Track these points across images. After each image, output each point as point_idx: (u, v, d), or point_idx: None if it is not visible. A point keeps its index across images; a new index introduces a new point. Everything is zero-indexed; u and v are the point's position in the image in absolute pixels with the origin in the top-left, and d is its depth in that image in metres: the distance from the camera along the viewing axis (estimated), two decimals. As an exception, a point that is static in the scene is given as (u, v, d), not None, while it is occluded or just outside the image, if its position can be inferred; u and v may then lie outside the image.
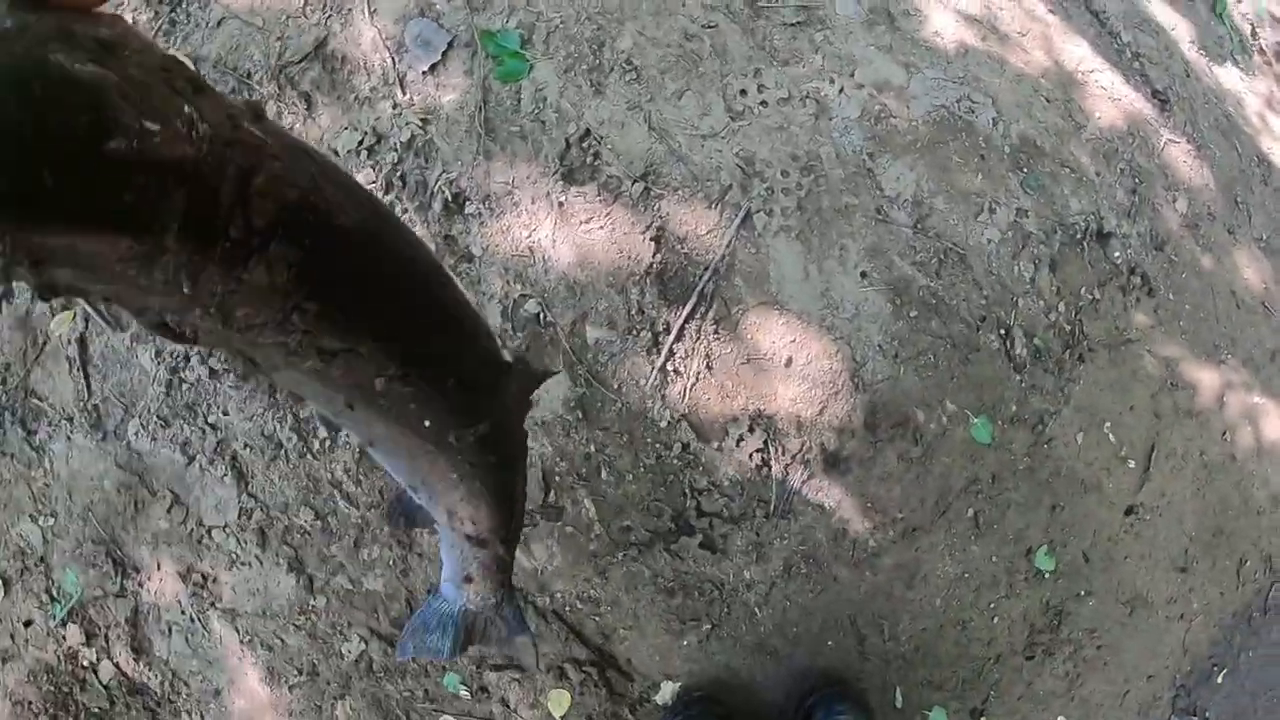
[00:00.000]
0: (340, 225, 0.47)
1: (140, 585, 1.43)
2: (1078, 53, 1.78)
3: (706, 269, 1.36)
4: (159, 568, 1.42)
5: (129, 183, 0.35)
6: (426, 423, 0.58)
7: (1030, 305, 1.53)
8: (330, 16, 1.44)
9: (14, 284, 0.36)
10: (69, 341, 1.43)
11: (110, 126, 0.34)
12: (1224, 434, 1.77)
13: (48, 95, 0.32)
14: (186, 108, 0.37)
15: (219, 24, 1.45)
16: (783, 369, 1.38)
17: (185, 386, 1.40)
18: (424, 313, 0.56)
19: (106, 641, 1.44)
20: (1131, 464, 1.66)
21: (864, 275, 1.42)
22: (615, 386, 1.37)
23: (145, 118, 0.35)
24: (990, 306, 1.49)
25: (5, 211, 0.32)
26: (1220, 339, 1.78)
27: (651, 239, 1.37)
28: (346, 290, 0.48)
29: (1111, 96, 1.76)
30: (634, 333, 1.37)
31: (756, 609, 1.44)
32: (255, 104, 0.43)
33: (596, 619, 1.42)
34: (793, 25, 1.56)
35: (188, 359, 1.42)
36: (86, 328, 1.43)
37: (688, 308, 1.35)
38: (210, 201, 0.39)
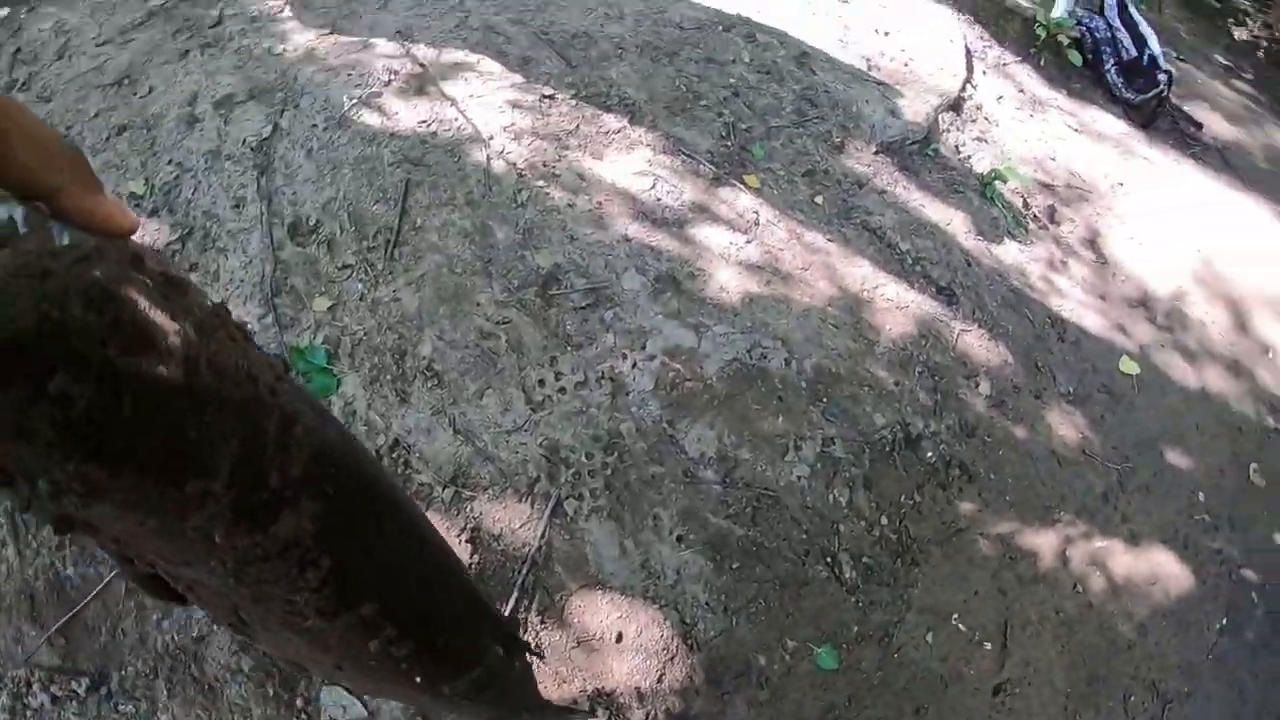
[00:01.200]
0: (360, 481, 0.46)
1: None
2: (860, 273, 1.94)
3: (524, 562, 1.40)
4: None
5: (199, 419, 0.34)
6: (418, 679, 0.56)
7: (852, 527, 1.60)
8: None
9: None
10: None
11: (195, 361, 0.33)
12: (1074, 586, 1.83)
13: (132, 328, 0.31)
14: (243, 352, 0.37)
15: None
16: (614, 646, 1.41)
17: (29, 713, 1.36)
18: (422, 572, 0.55)
19: None
20: (988, 645, 1.71)
21: (680, 539, 1.48)
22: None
23: (217, 357, 0.34)
24: (812, 539, 1.56)
25: (79, 441, 0.30)
26: (1050, 499, 1.88)
27: (467, 541, 1.41)
28: (361, 546, 0.47)
29: (899, 306, 1.91)
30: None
31: None
32: (281, 359, 0.43)
33: None
34: (583, 309, 1.67)
35: (30, 685, 1.38)
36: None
37: (510, 604, 1.38)
38: (259, 446, 0.38)
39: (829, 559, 1.56)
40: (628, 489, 1.49)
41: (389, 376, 1.52)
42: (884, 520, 1.64)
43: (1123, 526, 1.94)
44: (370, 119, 1.92)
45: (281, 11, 2.22)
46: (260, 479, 0.38)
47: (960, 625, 1.68)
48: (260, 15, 2.21)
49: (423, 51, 2.10)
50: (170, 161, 1.83)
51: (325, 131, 1.87)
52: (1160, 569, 1.93)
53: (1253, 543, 2.10)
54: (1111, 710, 1.80)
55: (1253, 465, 2.24)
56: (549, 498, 1.45)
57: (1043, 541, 1.82)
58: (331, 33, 2.16)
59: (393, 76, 2.01)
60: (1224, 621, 1.94)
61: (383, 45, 2.12)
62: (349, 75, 2.01)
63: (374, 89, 1.98)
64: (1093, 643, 1.81)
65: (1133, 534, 1.94)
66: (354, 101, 1.92)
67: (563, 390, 1.55)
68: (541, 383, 1.55)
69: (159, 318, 0.32)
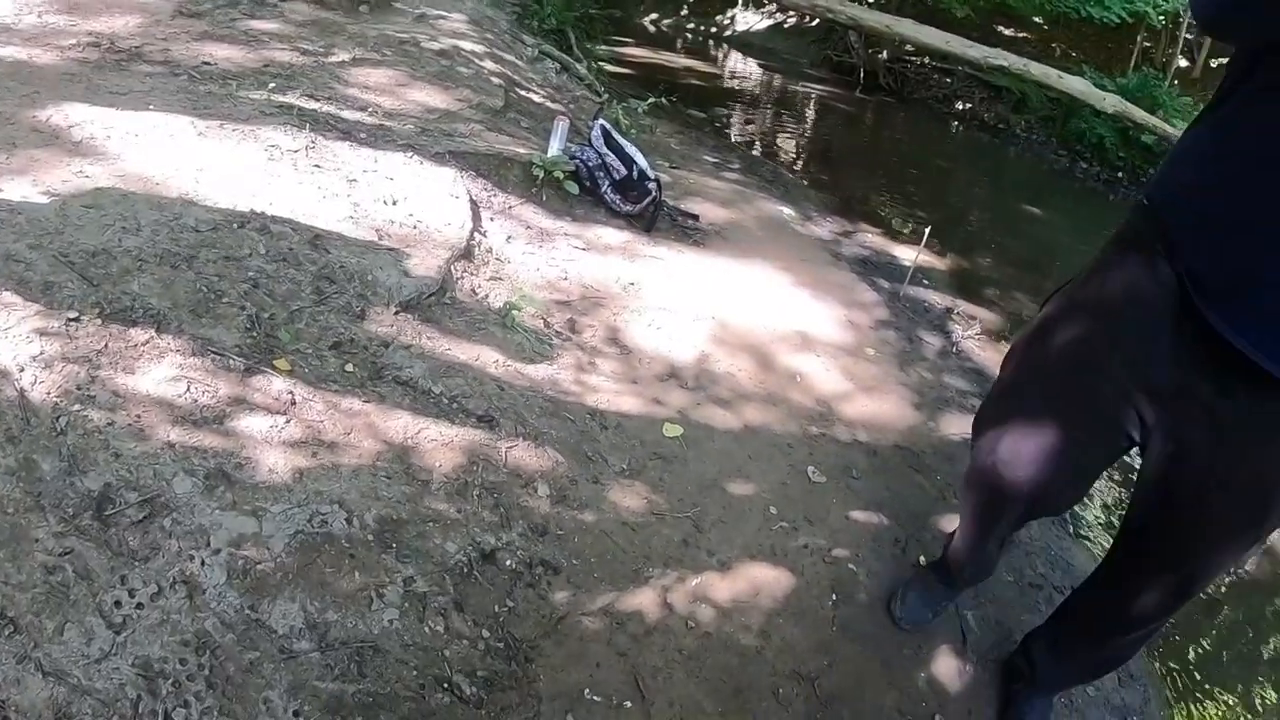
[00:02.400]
0: None
1: None
2: (401, 423, 2.32)
3: (135, 798, 1.54)
4: None
5: None
6: None
7: (458, 649, 1.90)
8: None
9: None
10: None
11: None
12: (687, 624, 2.20)
13: None
14: None
15: None
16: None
17: None
18: None
19: None
20: (629, 704, 2.03)
21: (297, 714, 1.68)
22: None
23: None
24: (424, 672, 1.83)
25: None
26: (635, 562, 2.29)
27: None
28: None
29: (444, 443, 2.31)
30: None
31: None
32: None
33: None
34: (141, 521, 1.85)
35: None
36: None
37: None
38: None
39: (446, 684, 1.84)
40: (230, 682, 1.67)
41: None
42: (485, 633, 1.96)
43: (711, 559, 2.41)
44: None
45: None
46: None
47: (595, 696, 2.01)
48: None
49: None
50: None
51: None
52: (759, 580, 2.38)
53: (833, 526, 2.65)
54: (766, 709, 2.14)
55: (809, 469, 2.87)
56: (156, 713, 1.60)
57: (642, 599, 2.24)
58: None
59: None
60: (834, 597, 2.42)
61: None
62: None
63: None
64: (724, 662, 2.17)
65: (722, 563, 2.41)
66: None
67: (140, 606, 1.70)
68: (118, 603, 1.69)
69: None
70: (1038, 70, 7.95)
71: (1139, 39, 10.15)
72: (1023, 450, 1.83)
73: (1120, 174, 9.05)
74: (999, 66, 7.97)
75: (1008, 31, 11.50)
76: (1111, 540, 2.03)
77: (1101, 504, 3.65)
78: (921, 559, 2.66)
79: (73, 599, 1.70)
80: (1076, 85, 8.03)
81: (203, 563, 1.84)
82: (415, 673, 1.84)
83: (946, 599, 2.40)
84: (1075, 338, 1.73)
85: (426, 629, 1.91)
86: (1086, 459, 1.83)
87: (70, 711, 1.58)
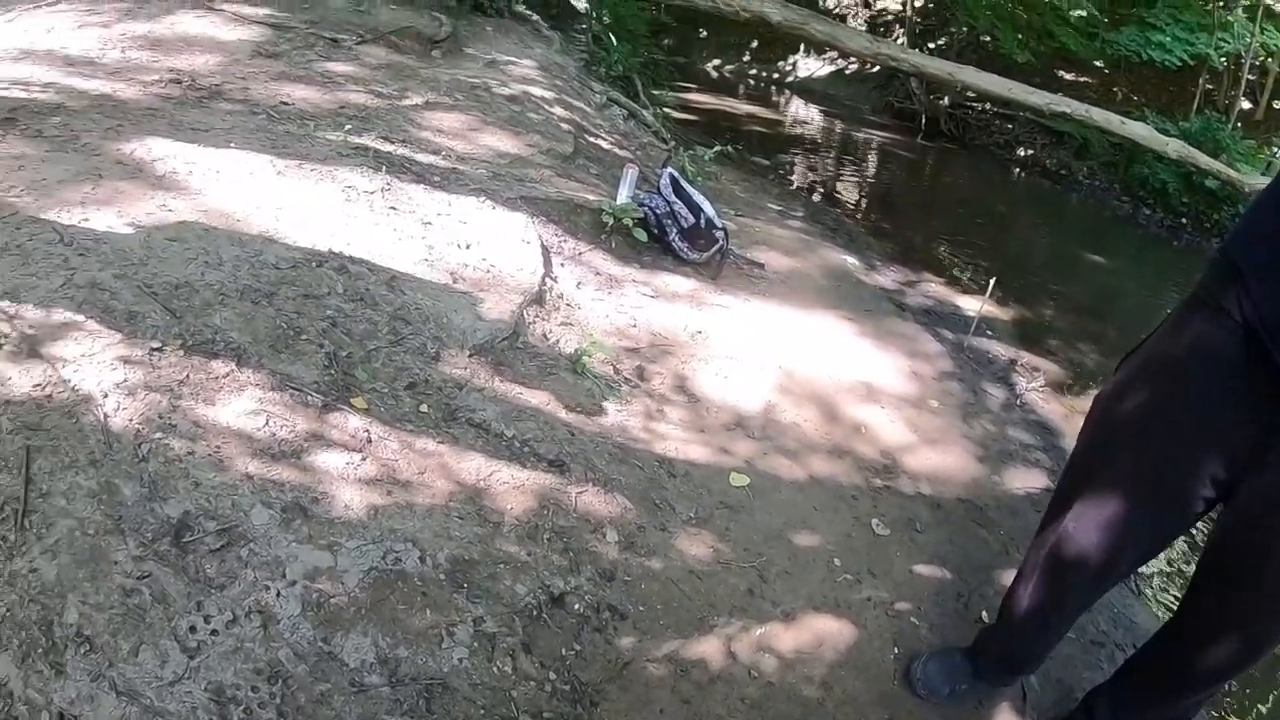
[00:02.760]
0: None
1: None
2: (474, 465, 2.36)
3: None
4: None
5: None
6: None
7: (524, 690, 1.92)
8: None
9: None
10: None
11: None
12: (750, 674, 2.20)
13: None
14: None
15: None
16: None
17: None
18: None
19: None
20: None
21: (364, 749, 1.72)
22: None
23: None
24: (490, 711, 1.85)
25: None
26: (700, 610, 2.29)
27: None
28: None
29: (515, 486, 2.34)
30: None
31: None
32: None
33: None
34: (218, 550, 1.90)
35: None
36: None
37: None
38: None
39: (511, 725, 1.87)
40: (300, 712, 1.70)
41: (40, 650, 1.63)
42: (552, 675, 1.98)
43: (775, 610, 2.40)
44: None
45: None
46: None
47: (660, 743, 2.03)
48: None
49: (31, 313, 2.29)
50: None
51: None
52: (822, 632, 2.37)
53: (897, 579, 2.63)
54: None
55: (874, 521, 2.86)
56: (223, 742, 1.64)
57: (707, 647, 2.24)
58: None
59: (3, 340, 2.18)
60: (896, 650, 2.39)
61: None
62: None
63: None
64: (786, 712, 2.16)
65: (786, 613, 2.40)
66: None
67: (214, 632, 1.75)
68: (193, 629, 1.74)
69: None
70: (1100, 116, 7.90)
71: (1201, 81, 10.03)
72: (1092, 523, 1.81)
73: (1184, 220, 8.91)
74: (1061, 113, 7.93)
75: (1069, 76, 11.45)
76: (1179, 597, 1.99)
77: (1167, 559, 3.57)
78: (984, 614, 2.62)
79: (149, 622, 1.75)
80: (1139, 130, 7.96)
81: (278, 593, 1.88)
82: (483, 712, 1.85)
83: (966, 681, 2.33)
84: (1144, 404, 1.72)
85: (495, 669, 1.93)
86: (1157, 530, 1.82)
87: (141, 732, 1.62)
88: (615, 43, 8.18)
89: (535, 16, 7.60)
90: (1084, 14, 9.76)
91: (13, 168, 3.03)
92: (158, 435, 2.10)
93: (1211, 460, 1.63)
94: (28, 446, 1.96)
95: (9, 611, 1.69)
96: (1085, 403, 2.25)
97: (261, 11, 5.56)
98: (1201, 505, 1.71)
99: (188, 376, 2.29)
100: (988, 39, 10.85)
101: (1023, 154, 10.90)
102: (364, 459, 2.26)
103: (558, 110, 5.56)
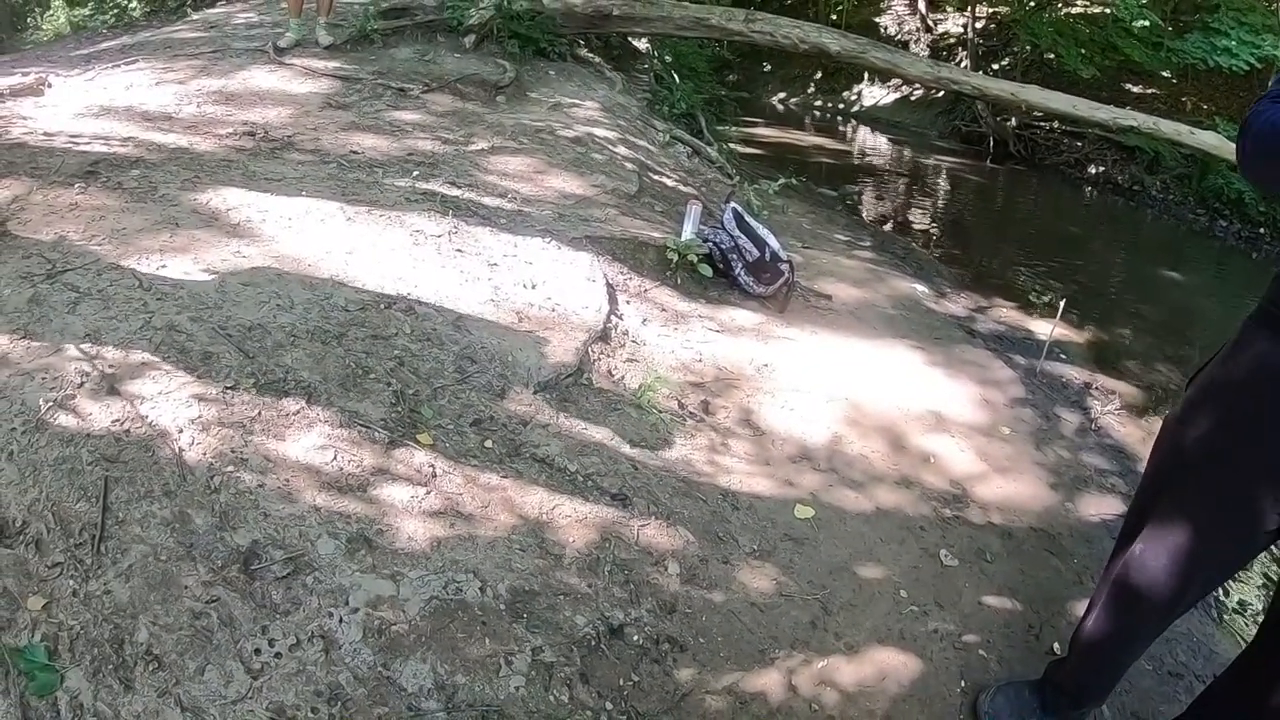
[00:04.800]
0: None
1: None
2: (536, 499, 2.40)
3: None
4: None
5: None
6: None
7: (581, 719, 1.95)
8: None
9: None
10: None
11: None
12: (810, 707, 2.17)
13: None
14: None
15: None
16: None
17: None
18: None
19: None
20: None
21: (421, 772, 1.76)
22: None
23: None
24: (546, 740, 1.89)
25: None
26: (762, 643, 2.29)
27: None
28: None
29: (578, 520, 2.38)
30: None
31: None
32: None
33: None
34: (284, 578, 1.99)
35: None
36: None
37: None
38: None
39: (567, 753, 1.89)
40: None
41: (111, 666, 1.73)
42: (609, 705, 1.99)
43: (838, 643, 2.38)
44: (67, 420, 2.20)
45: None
46: None
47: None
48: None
49: (111, 353, 2.44)
50: None
51: (24, 435, 2.14)
52: (886, 665, 2.34)
53: (965, 611, 2.58)
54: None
55: (942, 552, 2.82)
56: (282, 759, 1.69)
57: (767, 680, 2.22)
58: (24, 337, 2.47)
59: (85, 379, 2.32)
60: (963, 683, 2.35)
61: (73, 349, 2.44)
62: (43, 379, 2.31)
63: (68, 391, 2.28)
64: None
65: (849, 646, 2.38)
66: (49, 404, 2.22)
67: (278, 655, 1.83)
68: (257, 651, 1.82)
69: None
70: (1169, 128, 7.69)
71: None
72: (1160, 550, 1.78)
73: (1262, 230, 8.62)
74: (1129, 127, 7.73)
75: (1136, 89, 11.21)
76: (1258, 627, 1.94)
77: (1254, 585, 3.44)
78: (1056, 646, 2.56)
79: (215, 643, 1.84)
80: (1209, 140, 7.71)
81: (340, 620, 1.95)
82: (518, 739, 1.88)
83: (1034, 715, 2.26)
84: (1209, 430, 1.69)
85: (551, 697, 1.95)
86: (1225, 556, 1.78)
87: (203, 746, 1.69)
88: (677, 81, 8.29)
89: (597, 59, 7.75)
90: (1147, 24, 9.55)
91: (95, 218, 3.21)
92: (229, 469, 2.20)
93: (1277, 484, 1.59)
94: (106, 477, 2.09)
95: (83, 629, 1.80)
96: (1162, 425, 2.21)
97: (331, 65, 5.80)
98: (1272, 530, 1.66)
99: (259, 414, 2.40)
100: (1051, 57, 10.69)
101: (1094, 172, 10.69)
102: (428, 493, 2.32)
103: (621, 150, 5.66)
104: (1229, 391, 1.66)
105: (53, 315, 2.60)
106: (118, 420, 2.24)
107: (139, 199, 3.45)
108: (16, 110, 4.52)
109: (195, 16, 7.25)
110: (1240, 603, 3.34)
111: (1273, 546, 2.20)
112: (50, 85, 4.96)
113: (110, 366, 2.41)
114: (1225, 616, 3.23)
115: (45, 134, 4.13)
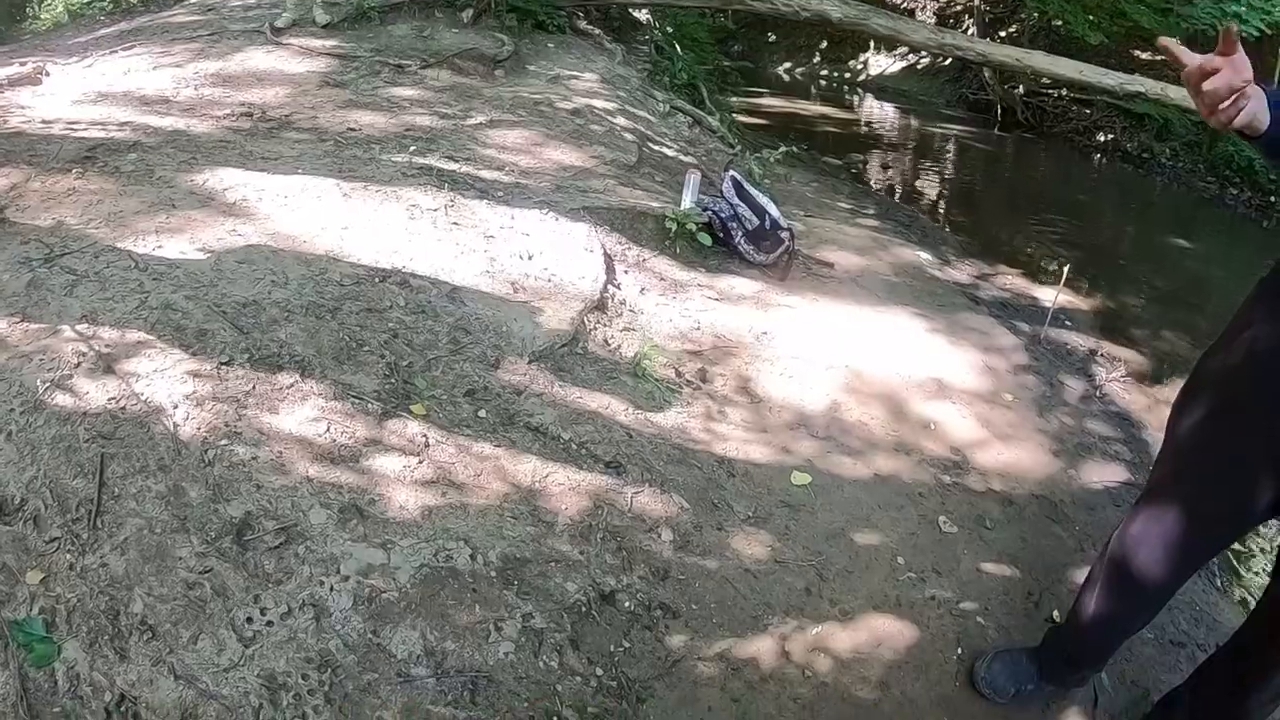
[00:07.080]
0: None
1: None
2: (529, 467, 2.41)
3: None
4: None
5: None
6: None
7: (570, 684, 1.95)
8: None
9: None
10: None
11: None
12: (804, 673, 2.18)
13: None
14: None
15: None
16: None
17: None
18: None
19: None
20: None
21: (409, 735, 1.77)
22: None
23: None
24: (534, 704, 1.89)
25: None
26: (755, 609, 2.29)
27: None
28: None
29: (570, 488, 2.38)
30: None
31: None
32: None
33: None
34: (277, 548, 2.01)
35: None
36: None
37: None
38: None
39: (555, 717, 1.88)
40: (347, 699, 1.78)
41: (107, 636, 1.77)
42: (599, 671, 2.00)
43: (833, 609, 2.38)
44: (64, 400, 2.22)
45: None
46: None
47: (703, 737, 2.02)
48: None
49: (107, 333, 2.47)
50: None
51: (23, 415, 2.17)
52: (881, 631, 2.34)
53: (963, 577, 2.57)
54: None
55: (941, 518, 2.80)
56: (274, 720, 1.71)
57: (760, 646, 2.22)
58: (22, 320, 2.49)
59: (81, 359, 2.35)
60: (960, 651, 2.34)
61: (70, 330, 2.46)
62: (41, 360, 2.33)
63: (65, 372, 2.30)
64: (839, 713, 2.13)
65: (844, 612, 2.37)
66: (47, 385, 2.24)
67: (270, 623, 1.86)
68: (249, 620, 1.85)
69: None
70: (1177, 94, 7.55)
71: (1280, 52, 9.56)
72: (1153, 525, 1.78)
73: (1273, 198, 8.46)
74: (1136, 93, 7.61)
75: (1145, 56, 11.02)
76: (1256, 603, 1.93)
77: (1260, 550, 3.41)
78: (1055, 614, 2.55)
79: (208, 612, 1.87)
80: (1218, 105, 7.60)
81: (331, 588, 1.97)
82: (526, 704, 1.89)
83: (1032, 682, 2.26)
84: (1207, 409, 1.68)
85: (541, 664, 1.97)
86: (1219, 534, 1.78)
87: (196, 713, 1.72)
88: (679, 51, 8.23)
89: (597, 31, 7.69)
90: (1155, -12, 9.39)
91: (92, 202, 3.21)
92: (223, 442, 2.22)
93: (1274, 465, 1.59)
94: (102, 454, 2.11)
95: (80, 602, 1.82)
96: (1169, 392, 2.17)
97: (328, 43, 5.77)
98: (1266, 509, 1.66)
99: (253, 388, 2.41)
100: (1059, 23, 10.53)
101: (1102, 139, 10.55)
102: (420, 462, 2.33)
103: (620, 121, 5.62)
104: (1223, 372, 1.66)
105: (50, 298, 2.62)
106: (114, 398, 2.26)
107: (136, 182, 3.45)
108: (14, 100, 4.52)
109: (192, 0, 7.22)
110: (1247, 571, 3.32)
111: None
112: (48, 74, 4.96)
113: (107, 346, 2.42)
114: (1229, 586, 3.21)
115: (43, 122, 4.13)
